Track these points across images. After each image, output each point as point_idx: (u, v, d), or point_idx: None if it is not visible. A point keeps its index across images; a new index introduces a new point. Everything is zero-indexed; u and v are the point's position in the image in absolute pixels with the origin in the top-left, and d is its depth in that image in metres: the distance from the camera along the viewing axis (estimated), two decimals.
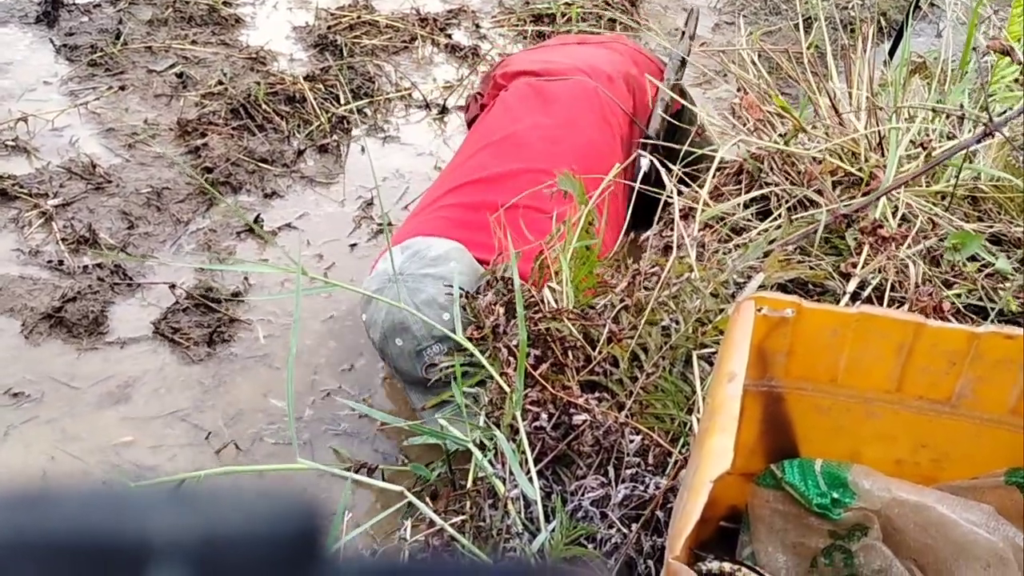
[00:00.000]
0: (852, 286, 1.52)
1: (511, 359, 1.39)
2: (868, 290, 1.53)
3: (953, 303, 1.47)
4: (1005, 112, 1.72)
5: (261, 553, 0.24)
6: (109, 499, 0.25)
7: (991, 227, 1.77)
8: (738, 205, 1.77)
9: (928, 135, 1.87)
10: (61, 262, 2.09)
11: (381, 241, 2.24)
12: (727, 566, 1.13)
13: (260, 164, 2.43)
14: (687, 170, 1.76)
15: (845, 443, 1.10)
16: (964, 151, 1.63)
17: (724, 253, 1.65)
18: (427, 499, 1.35)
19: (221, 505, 0.25)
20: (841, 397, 1.06)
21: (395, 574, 0.29)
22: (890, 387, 1.03)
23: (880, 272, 1.55)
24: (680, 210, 1.74)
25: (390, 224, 2.27)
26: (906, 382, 1.02)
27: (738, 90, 1.94)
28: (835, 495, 1.06)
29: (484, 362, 1.33)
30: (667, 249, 1.62)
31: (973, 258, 1.66)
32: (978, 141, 1.59)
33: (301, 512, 0.25)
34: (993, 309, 1.48)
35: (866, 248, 1.60)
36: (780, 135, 1.89)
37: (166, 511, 0.24)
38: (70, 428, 1.73)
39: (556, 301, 1.49)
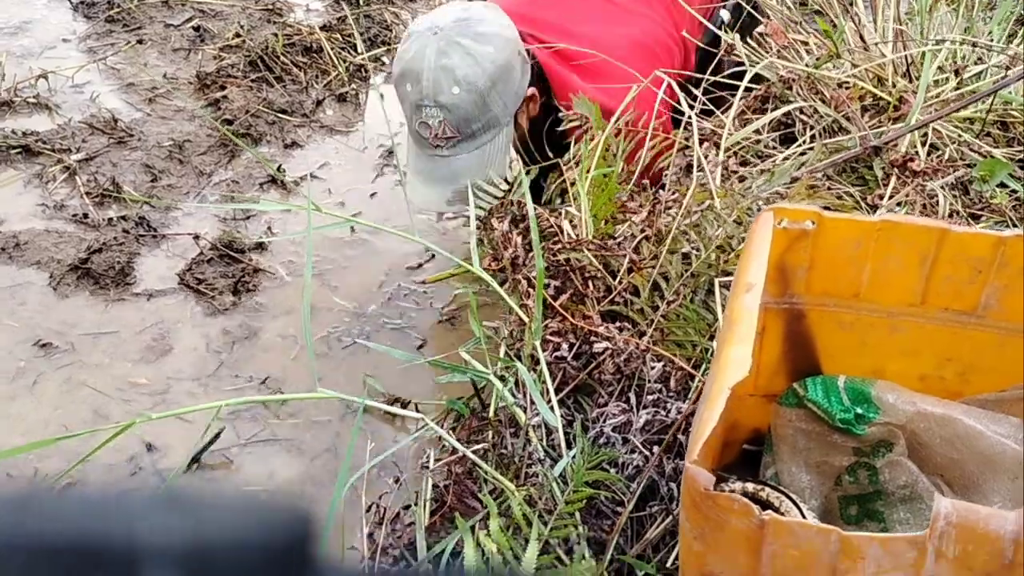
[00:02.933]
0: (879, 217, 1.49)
1: (530, 290, 1.38)
2: None
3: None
4: None
5: (250, 560, 0.24)
6: (99, 504, 0.25)
7: (1021, 152, 1.73)
8: (764, 127, 1.73)
9: (958, 61, 1.82)
10: (86, 215, 2.10)
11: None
12: (750, 486, 1.12)
13: (280, 115, 2.43)
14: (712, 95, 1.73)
15: (868, 359, 1.08)
16: (1000, 88, 1.59)
17: (748, 179, 1.63)
18: (450, 430, 1.35)
19: (211, 511, 0.25)
20: (864, 312, 1.04)
21: None
22: (914, 300, 1.01)
23: (907, 204, 1.52)
24: (703, 134, 1.71)
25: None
26: (930, 293, 1.00)
27: (766, 17, 1.89)
28: (859, 410, 1.05)
29: (502, 293, 1.32)
30: (689, 170, 1.60)
31: (1003, 185, 1.62)
32: (1016, 81, 1.56)
33: (292, 519, 0.25)
34: None
35: (893, 179, 1.57)
36: (807, 63, 1.85)
37: (156, 516, 0.24)
38: (100, 378, 1.74)
39: (575, 231, 1.48)
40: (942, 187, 1.55)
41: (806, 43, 1.85)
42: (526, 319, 1.32)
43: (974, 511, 0.71)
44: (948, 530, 0.71)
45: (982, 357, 1.04)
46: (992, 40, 1.90)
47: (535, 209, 1.54)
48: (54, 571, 0.23)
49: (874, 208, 1.51)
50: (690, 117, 1.56)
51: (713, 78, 1.81)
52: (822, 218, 0.96)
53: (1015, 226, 1.51)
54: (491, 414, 1.30)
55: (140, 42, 2.65)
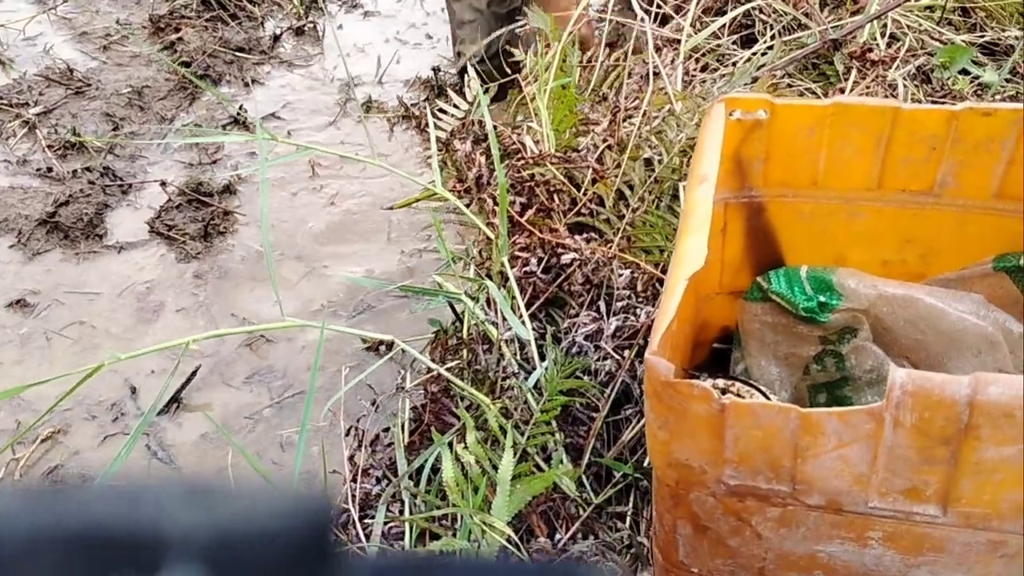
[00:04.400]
0: None
1: (496, 209, 1.38)
2: None
3: None
4: None
5: (274, 550, 0.24)
6: (125, 495, 0.25)
7: (982, 37, 1.72)
8: (723, 29, 1.71)
9: None
10: (50, 169, 2.08)
11: (371, 124, 2.20)
12: (721, 383, 1.14)
13: (237, 53, 2.39)
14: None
15: (830, 248, 1.09)
16: None
17: (710, 83, 1.61)
18: (425, 351, 1.36)
19: (236, 502, 0.25)
20: (823, 200, 1.04)
21: (408, 571, 0.29)
22: (871, 184, 1.01)
23: (868, 95, 1.51)
24: (661, 39, 1.69)
25: (374, 103, 2.24)
26: (887, 176, 1.00)
27: None
28: (822, 298, 1.05)
29: (467, 212, 1.32)
30: (649, 77, 1.58)
31: (965, 71, 1.61)
32: None
33: (314, 509, 0.25)
34: None
35: (854, 72, 1.55)
36: None
37: (181, 508, 0.24)
38: (80, 333, 1.74)
39: (537, 146, 1.47)
40: (903, 76, 1.55)
41: None
42: (492, 236, 1.32)
43: (929, 378, 0.72)
44: (904, 399, 0.72)
45: (942, 237, 1.05)
46: None
47: (496, 127, 1.53)
48: (82, 563, 0.23)
49: None
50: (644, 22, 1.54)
51: None
52: (774, 106, 0.96)
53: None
54: (464, 333, 1.31)
55: None
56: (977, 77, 1.59)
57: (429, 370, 1.25)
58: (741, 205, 1.07)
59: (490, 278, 1.35)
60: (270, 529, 0.25)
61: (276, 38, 2.43)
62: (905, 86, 1.50)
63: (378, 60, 2.35)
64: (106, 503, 0.25)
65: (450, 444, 1.13)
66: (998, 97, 1.55)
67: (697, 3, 1.72)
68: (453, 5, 2.05)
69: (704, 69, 1.70)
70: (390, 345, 1.64)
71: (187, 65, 2.33)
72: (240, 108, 2.21)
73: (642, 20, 1.51)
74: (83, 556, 0.23)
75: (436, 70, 2.25)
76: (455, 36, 2.10)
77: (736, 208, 1.07)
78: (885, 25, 1.64)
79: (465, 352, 1.26)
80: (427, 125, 1.76)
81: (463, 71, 1.95)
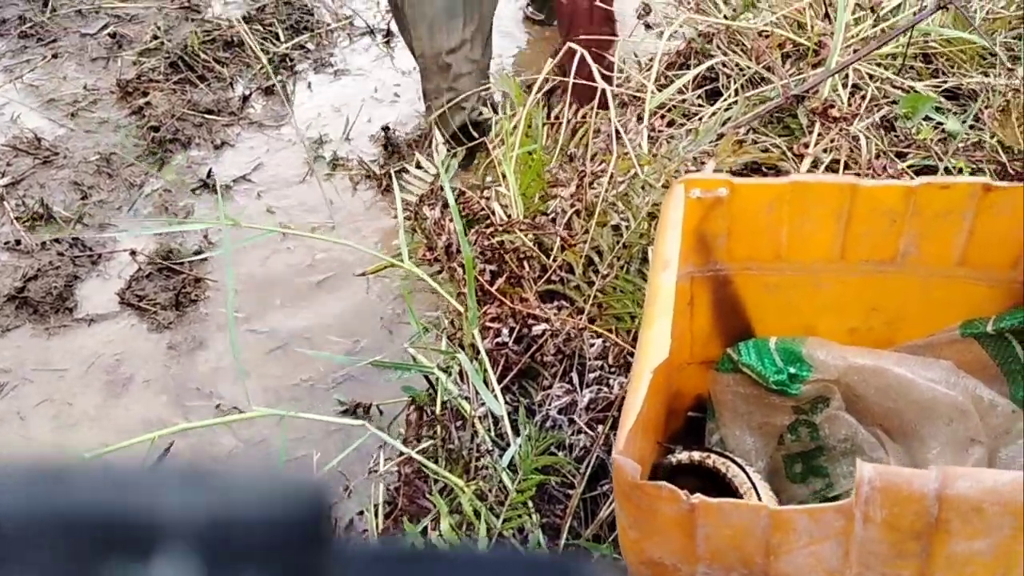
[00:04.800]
0: (806, 166, 1.49)
1: (466, 278, 1.37)
2: (822, 168, 1.49)
3: (908, 174, 1.45)
4: None
5: (270, 535, 0.24)
6: (119, 478, 0.25)
7: (945, 82, 1.73)
8: (688, 85, 1.72)
9: None
10: (18, 241, 2.06)
11: (338, 182, 2.20)
12: (696, 455, 1.13)
13: (206, 116, 2.38)
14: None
15: (798, 318, 1.08)
16: (917, 23, 1.58)
17: (675, 139, 1.62)
18: (400, 431, 1.34)
19: (231, 487, 0.25)
20: (787, 272, 1.04)
21: (404, 560, 0.29)
22: (834, 255, 1.01)
23: (832, 150, 1.52)
24: (625, 98, 1.70)
25: (341, 161, 2.23)
26: (849, 247, 1.00)
27: None
28: (792, 370, 1.05)
29: (434, 284, 1.31)
30: (616, 137, 1.58)
31: (928, 118, 1.62)
32: (930, 14, 1.55)
33: (310, 495, 0.25)
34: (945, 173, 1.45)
35: (817, 126, 1.56)
36: (726, 15, 1.83)
37: (176, 492, 0.24)
38: (58, 412, 1.71)
39: (506, 212, 1.46)
40: (867, 128, 1.55)
41: None
42: (461, 309, 1.31)
43: (897, 473, 0.72)
44: (873, 494, 0.72)
45: (908, 304, 1.05)
46: None
47: (464, 192, 1.53)
48: (75, 545, 0.23)
49: (800, 157, 1.51)
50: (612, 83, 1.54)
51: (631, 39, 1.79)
52: (733, 185, 0.96)
53: (940, 160, 1.52)
54: (438, 409, 1.29)
55: (56, 56, 2.58)
56: (940, 124, 1.60)
57: (402, 452, 1.23)
58: (707, 279, 1.07)
59: (463, 348, 1.34)
60: (266, 514, 0.24)
61: (245, 99, 2.44)
62: (868, 139, 1.50)
63: (347, 119, 2.35)
64: (101, 486, 0.24)
65: (425, 530, 1.12)
66: (962, 145, 1.56)
67: (660, 59, 1.73)
68: (446, 58, 2.04)
69: (671, 124, 1.71)
70: (367, 408, 1.63)
71: (156, 129, 2.32)
72: (209, 173, 2.20)
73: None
74: (77, 539, 0.23)
75: (386, 128, 2.25)
76: (428, 92, 2.09)
77: (702, 282, 1.07)
78: (847, 76, 1.65)
79: (439, 429, 1.25)
80: (390, 184, 1.76)
81: (443, 125, 1.95)
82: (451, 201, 1.28)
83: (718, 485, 1.13)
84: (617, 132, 1.59)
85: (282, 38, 2.60)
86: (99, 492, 0.24)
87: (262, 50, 2.55)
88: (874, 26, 1.73)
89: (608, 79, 1.75)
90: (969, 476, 0.70)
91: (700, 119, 1.68)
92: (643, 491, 0.75)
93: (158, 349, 1.80)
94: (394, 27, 2.69)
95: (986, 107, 1.63)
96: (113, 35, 2.64)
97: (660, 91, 1.70)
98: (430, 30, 2.03)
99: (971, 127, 1.61)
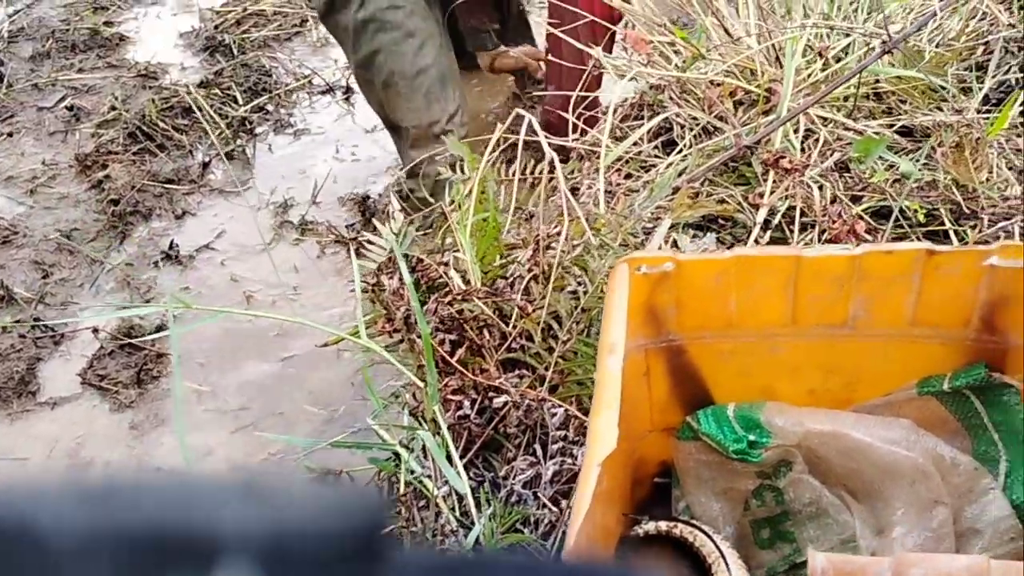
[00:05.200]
0: (761, 216, 1.49)
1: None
2: (778, 217, 1.49)
3: (864, 218, 1.45)
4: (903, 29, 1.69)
5: (327, 548, 0.25)
6: (180, 493, 0.25)
7: (898, 120, 1.74)
8: (643, 138, 1.72)
9: (823, 40, 1.83)
10: None
11: (307, 247, 2.19)
12: (663, 525, 1.11)
13: (166, 185, 2.37)
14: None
15: (756, 382, 1.07)
16: (864, 68, 1.59)
17: (633, 193, 1.61)
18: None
19: (289, 501, 0.25)
20: (741, 339, 1.03)
21: (458, 571, 0.29)
22: (785, 321, 1.01)
23: (787, 198, 1.52)
24: (582, 152, 1.70)
25: (308, 225, 2.22)
26: (800, 313, 1.00)
27: (625, 26, 1.88)
28: (751, 437, 1.04)
29: (390, 359, 1.29)
30: (574, 192, 1.58)
31: (883, 158, 1.62)
32: (877, 58, 1.56)
33: (366, 508, 0.26)
34: (899, 214, 1.46)
35: (772, 175, 1.56)
36: (676, 65, 1.84)
37: (235, 506, 0.25)
38: None
39: (464, 279, 1.45)
40: (822, 174, 1.55)
41: (673, 44, 1.84)
42: (420, 383, 1.30)
43: (849, 562, 0.70)
44: None
45: (864, 365, 1.04)
46: (856, 13, 1.91)
47: (422, 260, 1.52)
48: (136, 561, 0.23)
49: (756, 207, 1.51)
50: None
51: (587, 94, 1.80)
52: (678, 261, 0.95)
53: (895, 200, 1.52)
54: (401, 488, 1.27)
55: (12, 134, 2.56)
56: (894, 164, 1.61)
57: None
58: (661, 349, 1.06)
59: (425, 422, 1.33)
60: (323, 528, 0.25)
61: (205, 166, 2.42)
62: (821, 187, 1.50)
63: (315, 182, 2.34)
64: (161, 501, 0.25)
65: None
66: (916, 185, 1.56)
67: (615, 113, 1.73)
68: (446, 125, 2.04)
69: (628, 177, 1.71)
70: (337, 475, 1.61)
71: (116, 203, 2.31)
72: (171, 245, 2.18)
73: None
74: (138, 555, 0.23)
75: (366, 198, 2.24)
76: (411, 158, 2.07)
77: (656, 352, 1.06)
78: (798, 122, 1.66)
79: (403, 510, 1.23)
80: (359, 249, 1.75)
81: (439, 194, 1.96)
82: (405, 273, 1.27)
83: (688, 554, 1.11)
84: (573, 191, 1.59)
85: (240, 101, 2.60)
86: (159, 507, 0.24)
87: (220, 115, 2.54)
88: (823, 70, 1.74)
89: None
90: (923, 563, 0.69)
91: (657, 171, 1.68)
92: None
93: (120, 429, 1.77)
94: (353, 84, 2.70)
95: (939, 145, 1.64)
96: (71, 108, 2.63)
97: (616, 144, 1.71)
98: (427, 100, 2.05)
99: (925, 166, 1.62)
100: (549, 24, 2.06)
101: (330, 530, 0.25)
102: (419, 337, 1.40)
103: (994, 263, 0.92)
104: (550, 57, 2.12)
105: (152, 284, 2.10)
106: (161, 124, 2.52)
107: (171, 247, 2.18)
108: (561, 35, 1.93)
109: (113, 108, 2.60)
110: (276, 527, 0.24)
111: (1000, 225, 1.48)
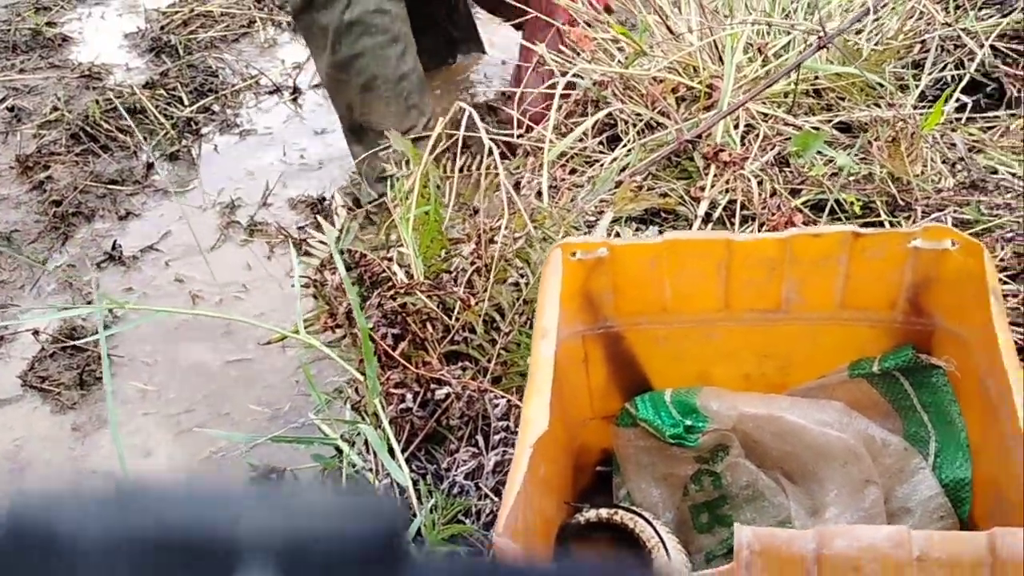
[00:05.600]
0: (702, 209, 1.51)
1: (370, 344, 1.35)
2: (719, 210, 1.51)
3: (802, 211, 1.47)
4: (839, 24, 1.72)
5: (346, 553, 0.25)
6: (200, 497, 0.25)
7: (836, 116, 1.77)
8: (587, 133, 1.73)
9: (763, 37, 1.85)
10: None
11: (256, 247, 2.17)
12: (604, 512, 1.12)
13: (110, 186, 2.33)
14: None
15: (692, 367, 1.08)
16: (801, 63, 1.62)
17: (577, 188, 1.63)
18: None
19: (307, 506, 0.25)
20: (676, 325, 1.04)
21: (480, 574, 0.30)
22: (719, 305, 1.02)
23: (728, 192, 1.54)
24: (528, 147, 1.71)
25: (257, 226, 2.20)
26: (733, 298, 1.01)
27: (567, 23, 1.89)
28: (688, 422, 1.05)
29: (330, 354, 1.29)
30: (517, 187, 1.59)
31: (821, 153, 1.65)
32: (813, 53, 1.59)
33: (384, 512, 0.26)
34: (836, 206, 1.48)
35: (712, 169, 1.58)
36: (619, 61, 1.86)
37: (255, 510, 0.25)
38: None
39: (407, 273, 1.45)
40: (762, 168, 1.58)
41: (616, 41, 1.85)
42: (362, 378, 1.29)
43: (775, 535, 0.71)
44: (753, 559, 0.71)
45: (797, 348, 1.06)
46: (796, 11, 1.94)
47: (365, 255, 1.51)
48: (157, 565, 0.23)
49: (697, 201, 1.52)
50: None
51: (530, 90, 1.81)
52: (612, 246, 0.96)
53: (832, 193, 1.54)
54: (343, 483, 1.27)
55: None
56: (832, 159, 1.63)
57: None
58: (598, 336, 1.06)
59: (367, 416, 1.32)
60: (342, 531, 0.25)
61: (150, 166, 2.39)
62: (761, 181, 1.53)
63: (266, 183, 2.32)
64: (180, 505, 0.25)
65: None
66: (853, 178, 1.59)
67: (559, 108, 1.74)
68: (423, 132, 2.05)
69: (572, 172, 1.72)
70: (281, 473, 1.59)
71: (58, 204, 2.27)
72: (114, 245, 2.15)
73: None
74: (158, 558, 0.23)
75: (321, 199, 2.23)
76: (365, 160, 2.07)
77: (593, 339, 1.07)
78: (739, 118, 1.68)
79: None
80: (304, 245, 1.74)
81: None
82: (341, 269, 1.26)
83: (629, 540, 1.12)
84: (517, 185, 1.59)
85: (186, 101, 2.57)
86: (180, 511, 0.24)
87: (165, 115, 2.51)
88: (763, 66, 1.77)
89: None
90: (846, 534, 0.70)
91: (602, 166, 1.69)
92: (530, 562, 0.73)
93: (62, 431, 1.74)
94: (302, 83, 2.69)
95: (876, 139, 1.67)
96: (11, 109, 2.58)
97: (560, 140, 1.72)
98: (407, 106, 2.06)
99: (862, 160, 1.65)
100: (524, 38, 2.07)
101: (348, 533, 0.25)
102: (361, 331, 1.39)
103: (918, 245, 0.94)
104: (522, 63, 2.12)
105: (96, 286, 2.07)
106: (105, 125, 2.48)
107: (114, 248, 2.15)
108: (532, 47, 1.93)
109: (56, 109, 2.55)
110: (295, 530, 0.24)
111: (933, 216, 1.52)
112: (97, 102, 2.54)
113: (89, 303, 2.03)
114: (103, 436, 1.74)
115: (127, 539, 0.23)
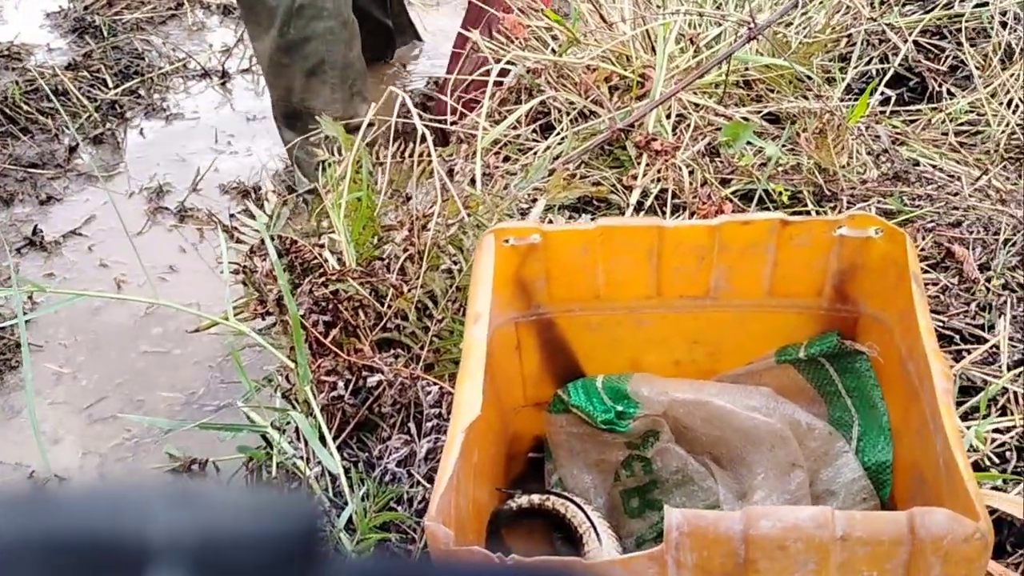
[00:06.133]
0: (634, 198, 1.52)
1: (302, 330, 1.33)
2: (651, 199, 1.53)
3: (732, 200, 1.49)
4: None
5: (260, 553, 0.24)
6: (109, 499, 0.25)
7: (766, 107, 1.80)
8: (521, 120, 1.73)
9: (695, 28, 1.87)
10: None
11: (185, 232, 2.12)
12: (536, 498, 1.12)
13: (30, 170, 2.26)
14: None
15: (624, 354, 1.09)
16: (731, 54, 1.64)
17: (510, 175, 1.62)
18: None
19: (220, 505, 0.25)
20: (608, 311, 1.05)
21: (395, 574, 0.29)
22: (651, 292, 1.03)
23: (659, 181, 1.55)
24: (461, 135, 1.70)
25: (188, 211, 2.16)
26: (664, 285, 1.02)
27: (504, 11, 1.89)
28: (619, 408, 1.06)
29: (260, 341, 1.27)
30: (451, 174, 1.58)
31: (750, 143, 1.68)
32: (743, 44, 1.61)
33: (300, 512, 0.25)
34: (765, 196, 1.51)
35: (645, 158, 1.59)
36: (553, 50, 1.86)
37: (165, 511, 0.24)
38: None
39: (339, 260, 1.43)
40: (692, 157, 1.60)
41: (550, 29, 1.85)
42: (293, 365, 1.28)
43: (702, 517, 0.72)
44: (682, 539, 0.72)
45: (726, 335, 1.07)
46: (727, 3, 1.97)
47: (296, 242, 1.49)
48: (65, 567, 0.23)
49: (629, 189, 1.53)
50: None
51: (465, 77, 1.80)
52: (544, 232, 0.96)
53: (761, 182, 1.57)
54: (274, 470, 1.25)
55: None
56: (762, 148, 1.66)
57: None
58: (531, 323, 1.06)
59: (297, 404, 1.30)
60: (256, 531, 0.24)
61: (72, 150, 2.32)
62: (692, 171, 1.54)
63: (197, 169, 2.27)
64: (90, 507, 0.24)
65: None
66: (781, 168, 1.62)
67: (492, 96, 1.74)
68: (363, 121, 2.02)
69: (506, 160, 1.71)
70: (203, 464, 1.56)
71: None
72: (34, 230, 2.08)
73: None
74: (66, 560, 0.23)
75: (256, 188, 2.19)
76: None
77: (527, 326, 1.07)
78: (671, 107, 1.70)
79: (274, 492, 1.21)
80: (235, 232, 1.70)
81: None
82: (272, 254, 1.24)
83: (561, 526, 1.13)
84: (450, 172, 1.58)
85: (110, 84, 2.50)
86: (88, 513, 0.24)
87: (89, 98, 2.44)
88: (695, 56, 1.79)
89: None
90: (771, 515, 0.71)
91: (535, 154, 1.69)
92: (457, 557, 0.73)
93: None
94: (231, 67, 2.63)
95: (803, 130, 1.70)
96: None
97: (494, 127, 1.71)
98: (351, 93, 2.05)
99: (790, 150, 1.68)
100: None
101: (262, 533, 0.24)
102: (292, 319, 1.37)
103: (844, 233, 0.96)
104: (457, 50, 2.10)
105: (16, 270, 2.00)
106: (25, 107, 2.40)
107: (35, 233, 2.08)
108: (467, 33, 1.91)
109: None
110: (207, 530, 0.24)
111: (859, 206, 1.55)
112: (17, 83, 2.46)
113: (8, 287, 1.97)
114: (14, 424, 1.69)
115: (35, 541, 0.23)
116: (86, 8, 2.80)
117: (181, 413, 1.66)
